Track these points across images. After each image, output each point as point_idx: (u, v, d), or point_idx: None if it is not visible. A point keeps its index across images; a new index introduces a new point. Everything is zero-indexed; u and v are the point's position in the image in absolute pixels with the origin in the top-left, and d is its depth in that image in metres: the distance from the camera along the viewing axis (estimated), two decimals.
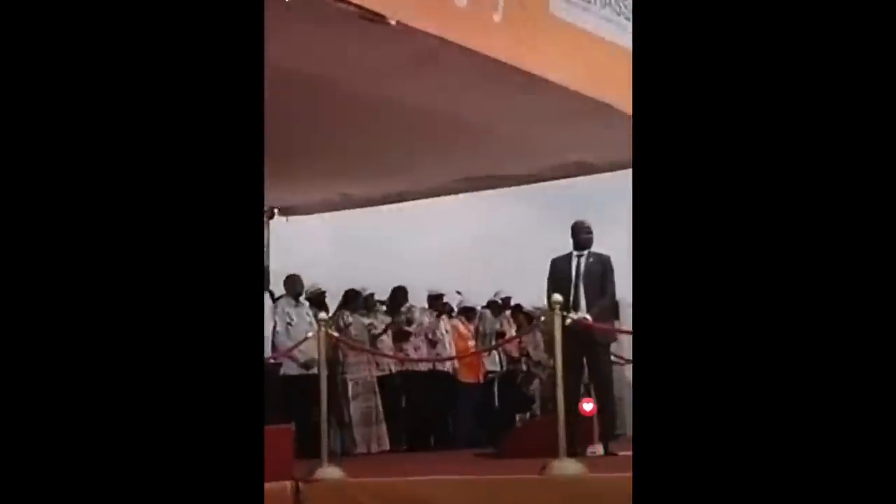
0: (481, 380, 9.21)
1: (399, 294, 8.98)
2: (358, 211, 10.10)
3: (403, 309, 8.89)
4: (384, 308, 8.96)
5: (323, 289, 8.67)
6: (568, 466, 4.44)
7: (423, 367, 8.74)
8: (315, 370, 7.02)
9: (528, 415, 9.68)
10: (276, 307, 7.91)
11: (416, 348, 8.74)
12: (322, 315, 6.11)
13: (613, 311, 6.76)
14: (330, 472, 4.94)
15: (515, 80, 6.31)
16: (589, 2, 6.78)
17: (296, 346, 6.95)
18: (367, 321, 8.52)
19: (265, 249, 9.31)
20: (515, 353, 9.75)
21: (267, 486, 3.37)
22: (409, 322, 8.80)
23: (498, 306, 9.70)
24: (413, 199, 9.72)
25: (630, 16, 6.92)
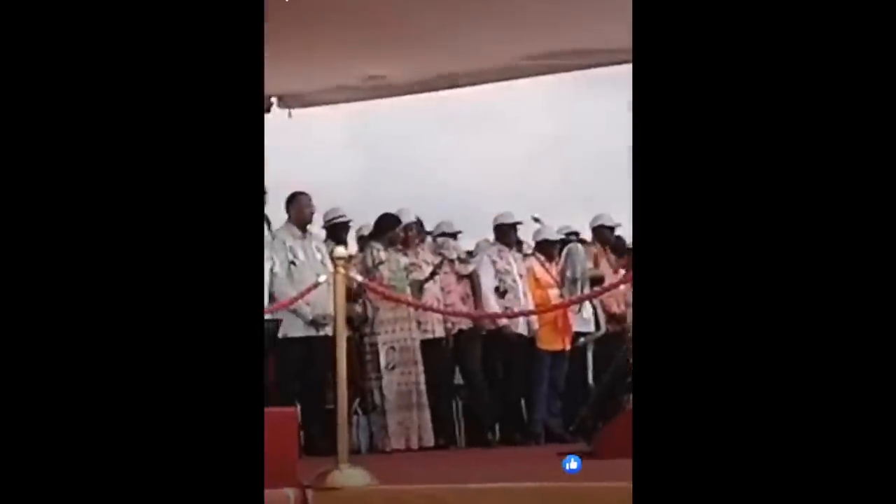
0: (568, 346, 9.24)
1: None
2: (391, 101, 10.09)
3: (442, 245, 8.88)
4: (431, 241, 8.98)
5: (344, 216, 8.70)
6: None
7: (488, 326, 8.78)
8: (329, 330, 7.12)
9: None
10: (273, 240, 7.95)
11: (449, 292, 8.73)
12: (340, 251, 5.92)
13: None
14: (351, 475, 4.95)
15: None
16: None
17: (302, 294, 6.93)
18: (406, 260, 8.55)
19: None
20: (619, 308, 9.75)
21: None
22: (462, 261, 8.86)
23: (594, 239, 9.73)
24: (467, 84, 9.68)
25: None
